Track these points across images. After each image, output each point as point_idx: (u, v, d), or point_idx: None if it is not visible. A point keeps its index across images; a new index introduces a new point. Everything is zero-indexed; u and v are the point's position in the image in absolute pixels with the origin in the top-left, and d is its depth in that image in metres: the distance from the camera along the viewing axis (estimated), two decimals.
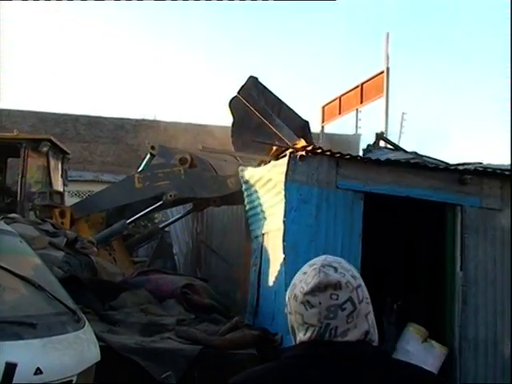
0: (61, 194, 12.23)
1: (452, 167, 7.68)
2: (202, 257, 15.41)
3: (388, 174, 7.38)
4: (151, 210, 12.65)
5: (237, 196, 11.22)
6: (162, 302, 8.97)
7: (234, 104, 11.61)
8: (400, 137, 28.22)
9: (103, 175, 22.61)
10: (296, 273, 6.44)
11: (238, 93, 11.86)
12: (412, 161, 7.50)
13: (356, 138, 22.83)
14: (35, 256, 6.83)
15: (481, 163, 8.12)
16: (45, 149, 12.44)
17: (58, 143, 13.44)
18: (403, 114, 30.29)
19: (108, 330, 7.75)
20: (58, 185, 13.28)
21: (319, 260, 2.09)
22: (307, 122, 12.63)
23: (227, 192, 11.48)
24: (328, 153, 7.18)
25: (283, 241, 7.31)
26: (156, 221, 19.04)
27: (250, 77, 12.08)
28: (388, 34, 16.87)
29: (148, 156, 12.79)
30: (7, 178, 14.44)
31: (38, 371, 5.15)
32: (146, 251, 16.88)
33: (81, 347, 6.17)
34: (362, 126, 21.80)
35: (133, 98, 49.52)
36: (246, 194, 9.43)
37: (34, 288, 6.11)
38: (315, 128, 21.10)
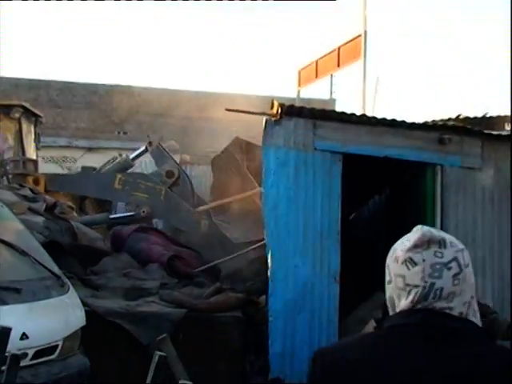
0: (34, 162, 12.16)
1: (430, 124, 7.71)
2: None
3: (366, 134, 7.42)
4: (124, 216, 12.59)
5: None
6: (145, 266, 9.01)
7: (215, 163, 11.62)
8: (374, 101, 28.22)
9: (77, 141, 22.40)
10: (277, 235, 6.49)
11: (222, 152, 11.92)
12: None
13: (331, 102, 22.83)
14: (17, 221, 6.82)
15: (459, 115, 8.10)
16: (17, 115, 12.33)
17: (31, 108, 13.26)
18: (378, 78, 30.22)
19: (91, 294, 7.78)
20: (31, 151, 13.11)
21: (416, 227, 1.95)
22: None
23: (197, 231, 11.42)
24: (302, 110, 7.21)
25: (263, 204, 7.37)
26: None
27: (236, 137, 12.13)
28: None
29: (142, 149, 12.95)
30: None
31: (24, 336, 5.21)
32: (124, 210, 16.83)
33: (66, 312, 6.21)
34: (338, 91, 21.82)
35: (106, 64, 48.82)
36: None
37: (18, 253, 6.12)
38: (291, 92, 21.09)
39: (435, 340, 1.78)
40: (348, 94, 20.09)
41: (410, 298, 1.84)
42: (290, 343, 7.30)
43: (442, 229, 7.55)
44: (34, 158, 12.93)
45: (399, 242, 1.94)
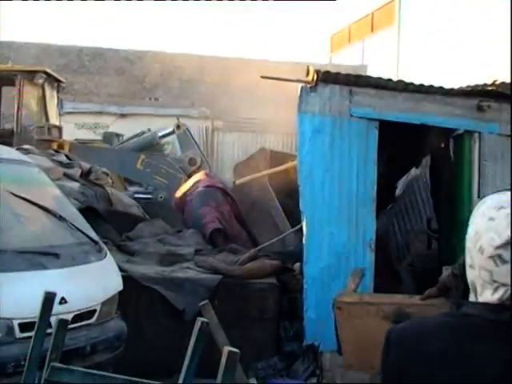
0: (59, 128, 12.19)
1: (469, 91, 7.57)
2: None
3: (403, 101, 7.32)
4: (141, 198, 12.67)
5: None
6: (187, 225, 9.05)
7: (238, 169, 11.59)
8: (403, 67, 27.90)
9: (109, 107, 22.44)
10: (312, 203, 6.44)
11: (246, 160, 11.91)
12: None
13: (363, 68, 22.61)
14: (54, 187, 6.87)
15: (495, 81, 7.90)
16: (40, 81, 12.30)
17: (53, 73, 13.22)
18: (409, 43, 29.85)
19: (127, 260, 7.85)
20: (55, 117, 13.16)
21: (503, 199, 1.69)
22: None
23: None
24: (338, 76, 7.13)
25: (298, 171, 7.35)
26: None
27: (261, 148, 12.16)
28: None
29: (170, 130, 13.04)
30: (3, 108, 14.30)
31: (63, 301, 5.27)
32: None
33: (104, 277, 6.28)
34: (371, 56, 21.57)
35: (137, 30, 48.83)
36: None
37: (56, 218, 6.18)
38: (323, 59, 20.94)
39: None
40: (380, 60, 19.84)
41: (497, 295, 1.65)
42: (325, 310, 7.29)
43: (479, 197, 7.47)
44: (58, 123, 12.93)
45: (484, 226, 1.67)
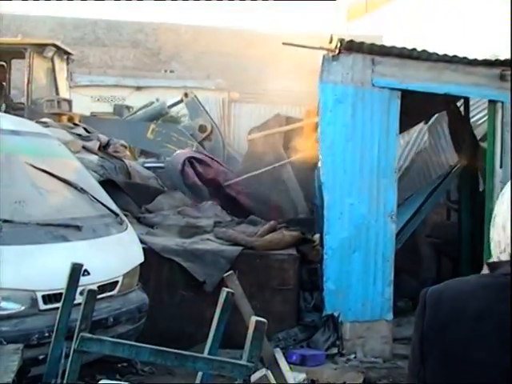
0: (69, 102, 12.15)
1: (492, 60, 7.47)
2: (226, 160, 15.46)
3: (426, 70, 7.22)
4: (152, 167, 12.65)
5: None
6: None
7: (252, 136, 11.45)
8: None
9: (125, 79, 22.39)
10: (333, 174, 6.39)
11: (260, 126, 11.72)
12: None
13: (379, 38, 22.38)
14: (75, 159, 6.87)
15: None
16: (50, 54, 12.24)
17: (63, 46, 13.14)
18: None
19: (147, 232, 7.87)
20: (65, 90, 13.13)
21: None
22: None
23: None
24: (362, 46, 7.05)
25: (320, 141, 7.29)
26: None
27: (277, 114, 11.86)
28: None
29: (178, 99, 12.95)
30: (14, 81, 14.28)
31: (86, 272, 5.27)
32: None
33: (125, 249, 6.31)
34: (388, 26, 21.34)
35: (152, 2, 48.50)
36: None
37: (77, 191, 6.18)
38: (340, 29, 20.73)
39: None
40: (397, 30, 19.65)
41: None
42: (345, 281, 7.31)
43: (501, 167, 7.40)
44: (68, 96, 12.90)
45: None
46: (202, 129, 12.02)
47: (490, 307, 1.58)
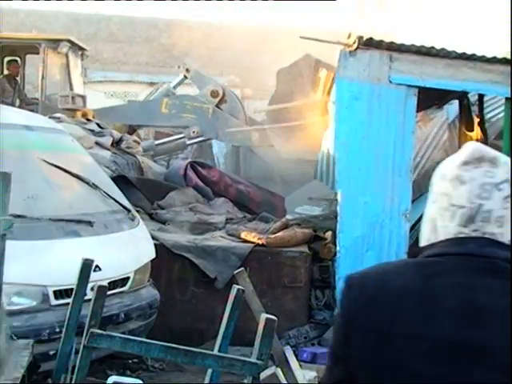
0: (83, 97, 12.12)
1: (510, 59, 7.39)
2: (241, 157, 15.43)
3: (444, 67, 7.14)
4: (173, 140, 12.63)
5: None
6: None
7: (280, 75, 11.30)
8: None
9: (138, 76, 22.40)
10: (348, 171, 6.35)
11: (289, 66, 11.62)
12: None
13: (391, 35, 22.27)
14: (87, 155, 6.87)
15: None
16: (64, 49, 12.24)
17: (77, 42, 13.16)
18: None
19: (158, 228, 7.86)
20: (79, 85, 13.14)
21: (468, 143, 1.77)
22: None
23: (248, 145, 11.44)
24: (381, 43, 6.98)
25: (335, 138, 7.23)
26: None
27: (306, 55, 11.63)
28: None
29: (181, 77, 12.76)
30: (28, 76, 14.32)
31: (97, 268, 5.25)
32: (186, 151, 16.92)
33: (136, 245, 6.30)
34: (400, 22, 21.22)
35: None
36: None
37: (89, 186, 6.17)
38: (353, 25, 20.61)
39: (491, 274, 1.59)
40: (411, 26, 19.60)
41: (456, 220, 1.65)
42: None
43: None
44: (82, 92, 12.89)
45: (449, 158, 1.75)
46: (213, 94, 11.83)
47: (413, 283, 1.63)
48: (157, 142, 12.57)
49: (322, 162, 9.01)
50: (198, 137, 11.91)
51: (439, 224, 1.71)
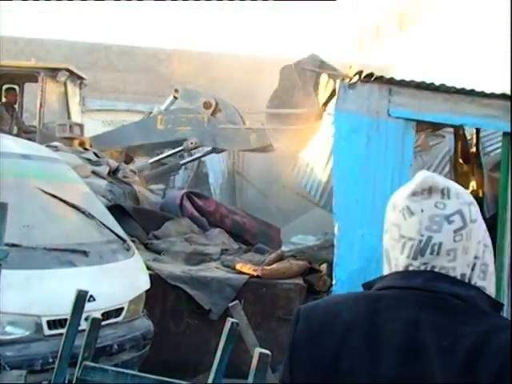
0: (80, 126, 12.15)
1: (509, 94, 7.43)
2: (237, 188, 15.44)
3: (442, 101, 7.17)
4: (171, 153, 12.65)
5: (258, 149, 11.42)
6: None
7: (284, 72, 11.33)
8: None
9: (136, 105, 22.49)
10: (345, 204, 6.32)
11: (294, 64, 11.58)
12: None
13: (390, 67, 22.44)
14: (83, 184, 6.86)
15: None
16: (63, 78, 12.32)
17: (76, 71, 13.25)
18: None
19: (154, 258, 7.83)
20: (77, 114, 13.19)
21: (420, 172, 1.74)
22: None
23: (248, 147, 11.53)
24: (381, 79, 6.99)
25: (333, 171, 7.23)
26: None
27: (312, 54, 11.68)
28: None
29: (171, 98, 12.70)
30: (26, 104, 14.37)
31: (91, 298, 5.21)
32: (182, 180, 16.92)
33: (131, 275, 6.27)
34: (399, 56, 21.42)
35: (165, 29, 49.03)
36: None
37: (85, 216, 6.16)
38: (351, 57, 20.77)
39: (437, 309, 1.56)
40: (408, 59, 19.84)
41: (405, 252, 1.63)
42: None
43: None
44: (80, 121, 12.92)
45: (401, 188, 1.73)
46: (206, 105, 11.74)
47: (360, 318, 1.61)
48: (151, 160, 12.47)
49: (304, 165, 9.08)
50: (196, 147, 11.85)
51: (391, 255, 1.71)
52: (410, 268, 1.63)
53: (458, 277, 1.60)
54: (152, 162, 12.33)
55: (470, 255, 1.62)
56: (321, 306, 1.74)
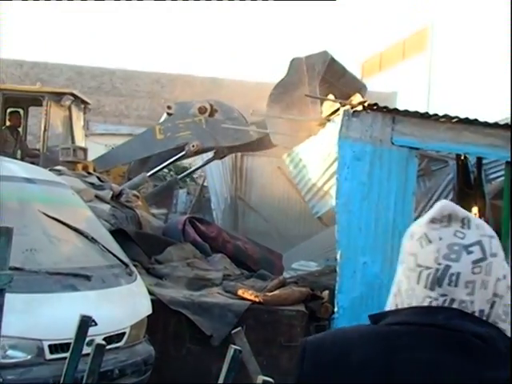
0: (84, 150, 12.19)
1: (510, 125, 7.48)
2: (239, 213, 15.45)
3: (445, 130, 7.22)
4: (173, 160, 12.60)
5: (260, 143, 11.42)
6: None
7: (293, 64, 11.35)
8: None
9: (139, 129, 22.57)
10: (348, 231, 6.34)
11: (305, 57, 11.61)
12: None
13: (393, 95, 22.52)
14: (87, 208, 6.88)
15: None
16: (67, 103, 12.39)
17: (80, 95, 13.36)
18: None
19: (155, 283, 7.80)
20: (80, 138, 13.24)
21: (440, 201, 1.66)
22: (365, 87, 12.26)
23: (248, 140, 11.52)
24: (384, 109, 7.04)
25: (336, 198, 7.25)
26: (195, 176, 19.06)
27: (324, 51, 11.43)
28: None
29: (165, 115, 12.76)
30: (31, 128, 14.44)
31: (93, 323, 5.19)
32: (184, 205, 16.96)
33: (133, 300, 6.26)
34: (402, 83, 21.52)
35: (169, 54, 49.34)
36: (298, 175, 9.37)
37: (88, 240, 6.16)
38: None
39: (458, 350, 1.46)
40: (411, 88, 19.92)
41: (422, 281, 1.54)
42: None
43: None
44: (83, 145, 12.97)
45: (417, 221, 1.65)
46: (201, 110, 11.78)
47: (374, 357, 1.52)
48: (148, 173, 12.32)
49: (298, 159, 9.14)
50: (197, 150, 11.80)
51: (404, 287, 1.61)
52: (428, 300, 1.55)
53: (477, 313, 1.52)
54: (150, 175, 12.25)
55: (489, 290, 1.53)
56: (329, 341, 1.64)
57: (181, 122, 11.74)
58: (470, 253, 1.52)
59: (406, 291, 1.59)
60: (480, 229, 1.57)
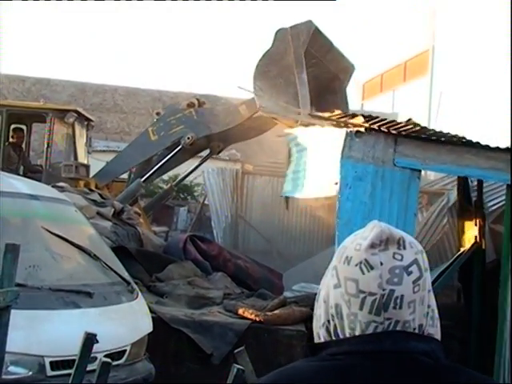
0: (86, 167, 12.21)
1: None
2: (239, 232, 15.48)
3: (447, 152, 7.24)
4: (171, 156, 12.50)
5: (252, 128, 11.63)
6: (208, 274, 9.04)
7: (278, 35, 11.29)
8: (437, 116, 27.87)
9: None
10: None
11: (290, 27, 11.58)
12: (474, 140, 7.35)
13: (394, 117, 22.56)
14: (89, 226, 6.89)
15: None
16: (71, 120, 12.44)
17: (84, 113, 13.42)
18: (441, 93, 29.84)
19: (156, 301, 7.82)
20: (83, 155, 13.30)
21: (372, 223, 1.66)
22: (352, 66, 12.21)
23: (240, 120, 11.48)
24: (387, 124, 7.08)
25: (337, 218, 7.26)
26: (196, 193, 19.11)
27: (308, 20, 11.22)
28: (435, 11, 16.56)
29: (155, 121, 12.74)
30: (33, 144, 14.49)
31: (94, 340, 5.20)
32: (184, 223, 16.98)
33: (135, 317, 6.26)
34: (402, 105, 21.61)
35: (171, 72, 49.55)
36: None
37: (90, 257, 6.18)
38: (355, 105, 20.94)
39: (411, 372, 1.50)
40: (412, 110, 20.03)
41: (367, 308, 1.53)
42: None
43: None
44: (86, 162, 13.02)
45: (350, 239, 1.64)
46: (190, 106, 11.80)
47: None
48: (143, 178, 12.10)
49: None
50: (193, 142, 11.70)
51: (345, 311, 1.58)
52: (373, 324, 1.54)
53: (416, 328, 1.56)
54: (144, 180, 12.21)
55: (425, 305, 1.58)
56: (281, 381, 1.57)
57: (172, 118, 11.74)
58: (409, 274, 1.54)
59: (347, 316, 1.57)
60: (414, 247, 1.59)
